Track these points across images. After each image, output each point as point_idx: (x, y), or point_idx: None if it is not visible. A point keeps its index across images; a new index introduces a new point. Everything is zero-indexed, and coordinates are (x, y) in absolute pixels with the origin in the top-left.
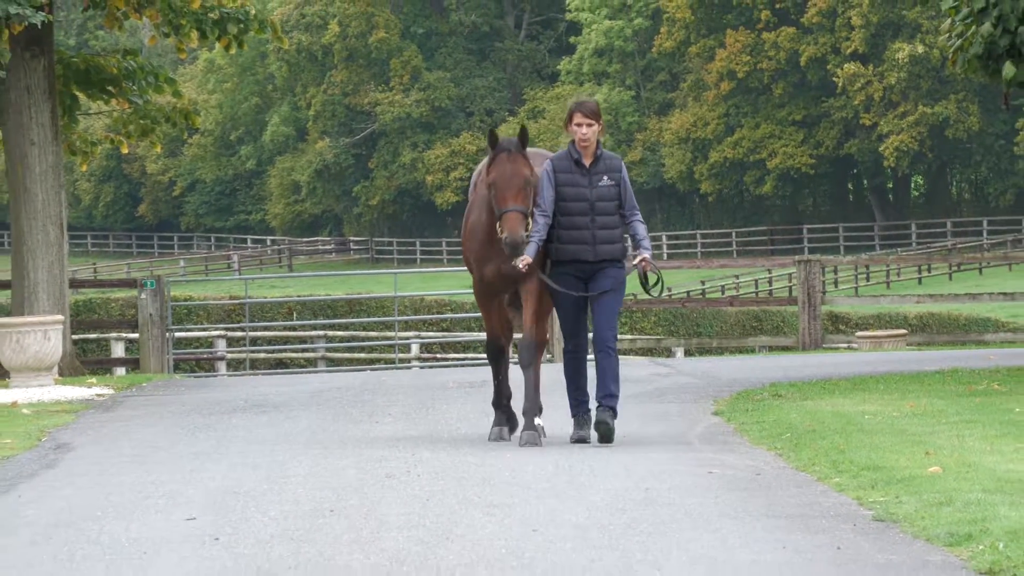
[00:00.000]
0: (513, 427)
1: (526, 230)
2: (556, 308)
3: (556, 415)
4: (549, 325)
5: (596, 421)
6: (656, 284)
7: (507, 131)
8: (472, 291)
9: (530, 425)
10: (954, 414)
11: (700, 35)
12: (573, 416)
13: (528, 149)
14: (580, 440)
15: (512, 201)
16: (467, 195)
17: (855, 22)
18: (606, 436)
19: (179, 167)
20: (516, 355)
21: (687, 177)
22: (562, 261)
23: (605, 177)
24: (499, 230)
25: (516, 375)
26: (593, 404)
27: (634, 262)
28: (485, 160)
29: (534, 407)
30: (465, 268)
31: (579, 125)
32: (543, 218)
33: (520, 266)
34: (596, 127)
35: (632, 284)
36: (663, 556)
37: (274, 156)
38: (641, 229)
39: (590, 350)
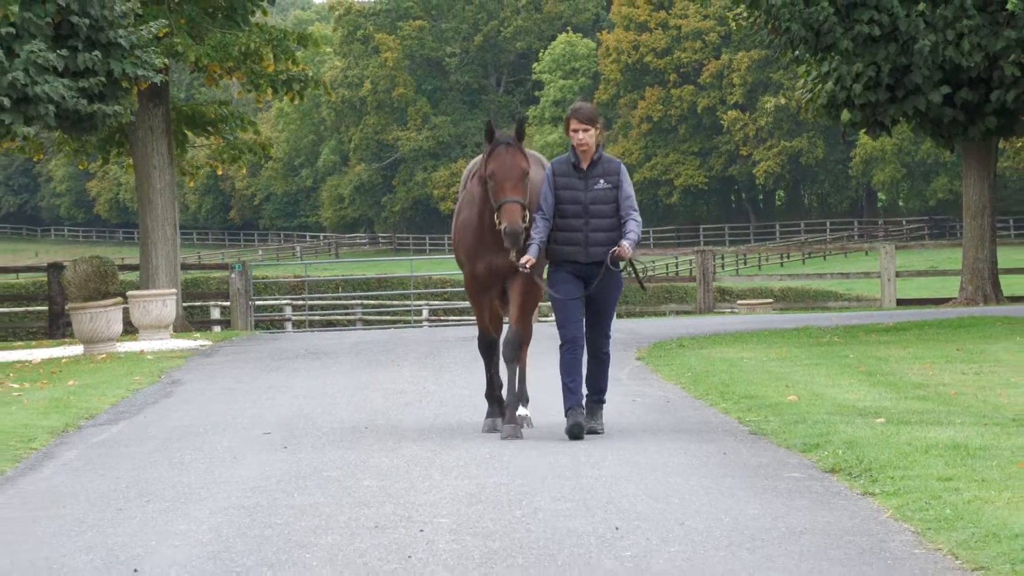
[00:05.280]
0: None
1: (524, 221)
2: (554, 306)
3: (543, 396)
4: (534, 321)
5: (574, 423)
6: (624, 270)
7: None
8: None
9: (511, 419)
10: (806, 359)
11: (627, 91)
12: (567, 409)
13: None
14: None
15: (511, 192)
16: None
17: (736, 81)
18: (587, 431)
19: (258, 184)
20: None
21: None
22: (557, 261)
23: (601, 180)
24: (497, 221)
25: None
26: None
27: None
28: (479, 157)
29: (516, 400)
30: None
31: (575, 131)
32: (544, 221)
33: (525, 266)
34: (592, 131)
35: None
36: (601, 459)
37: (326, 176)
38: (631, 224)
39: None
